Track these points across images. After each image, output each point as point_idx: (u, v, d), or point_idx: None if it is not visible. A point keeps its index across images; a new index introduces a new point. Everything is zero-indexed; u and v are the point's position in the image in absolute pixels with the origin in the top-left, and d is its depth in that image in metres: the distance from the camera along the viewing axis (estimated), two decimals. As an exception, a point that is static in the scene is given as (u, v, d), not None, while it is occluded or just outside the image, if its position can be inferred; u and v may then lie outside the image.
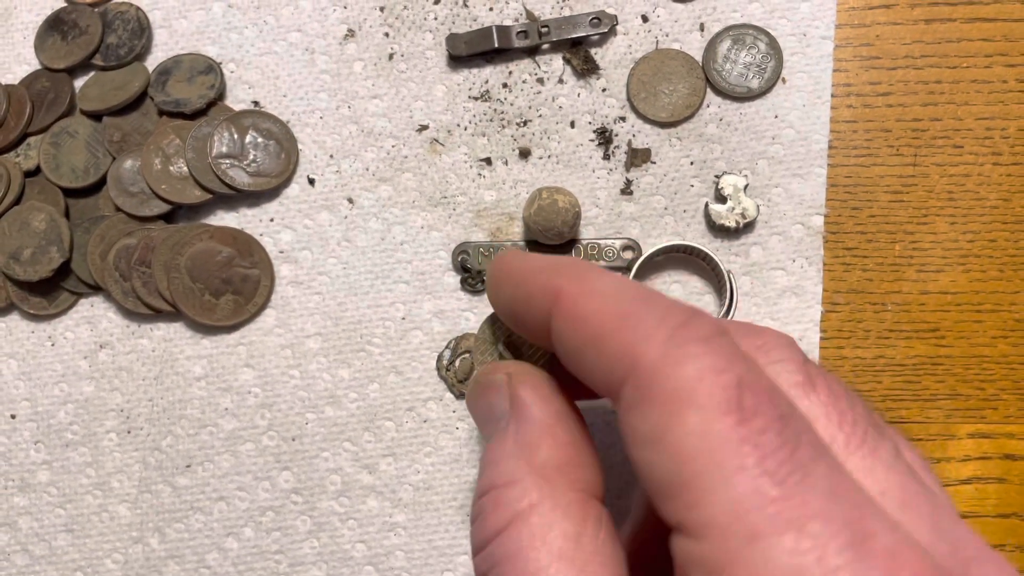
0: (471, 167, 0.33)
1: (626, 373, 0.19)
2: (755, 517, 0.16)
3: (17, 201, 0.33)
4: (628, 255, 0.32)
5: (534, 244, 0.32)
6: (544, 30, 0.33)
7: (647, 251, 0.31)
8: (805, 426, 0.18)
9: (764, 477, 0.17)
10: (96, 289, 0.33)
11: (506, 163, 0.33)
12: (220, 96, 0.34)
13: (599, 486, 0.21)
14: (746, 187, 0.32)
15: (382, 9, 0.34)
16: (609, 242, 0.32)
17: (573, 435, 0.22)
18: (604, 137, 0.33)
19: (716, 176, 0.33)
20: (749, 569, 0.16)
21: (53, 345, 0.33)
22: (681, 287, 0.32)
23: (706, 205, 0.32)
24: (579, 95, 0.33)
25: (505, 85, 0.34)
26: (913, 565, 0.16)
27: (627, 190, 0.33)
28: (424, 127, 0.34)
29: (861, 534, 0.16)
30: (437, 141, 0.33)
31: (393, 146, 0.33)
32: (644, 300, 0.20)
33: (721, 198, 0.32)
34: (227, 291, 0.32)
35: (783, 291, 0.32)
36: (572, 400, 0.23)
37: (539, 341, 0.23)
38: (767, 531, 0.16)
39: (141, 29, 0.34)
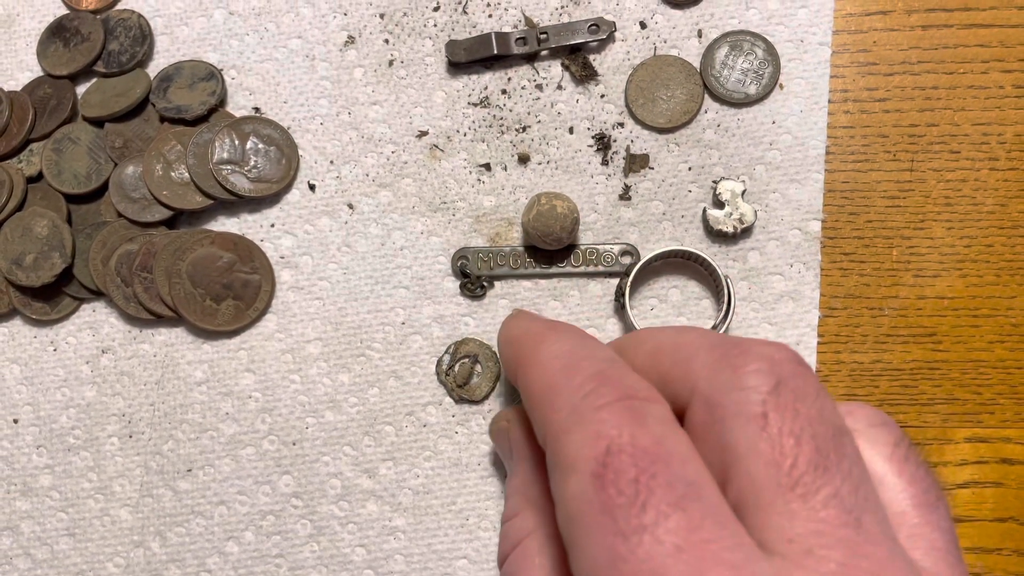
0: (470, 173, 0.33)
1: (543, 441, 0.22)
2: (606, 571, 0.17)
3: (20, 207, 0.33)
4: (626, 260, 0.32)
5: (533, 249, 0.33)
6: (543, 37, 0.33)
7: (645, 256, 0.32)
8: (654, 484, 0.18)
9: (616, 536, 0.17)
10: (98, 294, 0.33)
11: (505, 169, 0.33)
12: (221, 102, 0.34)
13: None
14: (744, 192, 0.32)
15: (382, 16, 0.34)
16: (607, 247, 0.33)
17: None
18: (602, 143, 0.33)
19: (714, 182, 0.33)
20: None
21: (55, 350, 0.33)
22: (679, 292, 0.33)
23: (704, 210, 0.33)
24: (578, 101, 0.34)
25: (504, 91, 0.34)
26: None
27: (625, 195, 0.33)
28: (424, 133, 0.34)
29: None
30: (437, 147, 0.34)
31: (393, 152, 0.34)
32: (566, 372, 0.22)
33: (719, 203, 0.32)
34: (228, 296, 0.33)
35: (780, 296, 0.32)
36: None
37: None
38: None
39: (143, 36, 0.34)
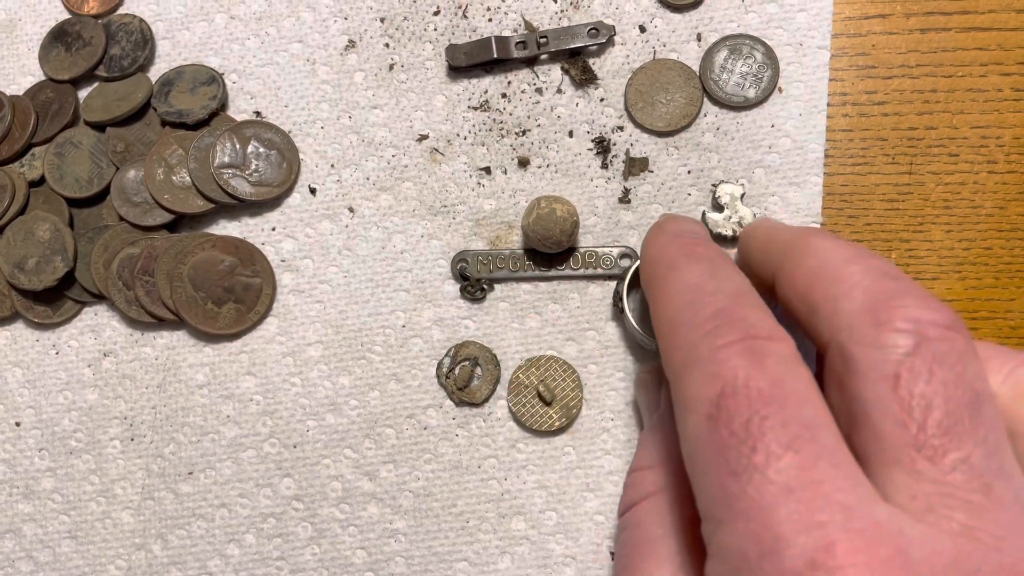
0: (471, 176, 0.34)
1: (668, 377, 0.22)
2: (718, 508, 0.18)
3: (22, 211, 0.34)
4: (625, 263, 0.33)
5: (532, 252, 0.33)
6: (543, 41, 0.34)
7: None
8: (782, 421, 0.18)
9: (729, 476, 0.18)
10: (100, 298, 0.33)
11: (505, 172, 0.34)
12: (222, 107, 0.34)
13: None
14: (743, 196, 0.32)
15: (382, 20, 0.35)
16: (606, 250, 0.33)
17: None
18: (602, 146, 0.34)
19: (713, 185, 0.33)
20: (717, 549, 0.18)
21: (57, 353, 0.33)
22: (679, 295, 0.33)
23: (703, 214, 0.33)
24: (577, 105, 0.34)
25: (504, 95, 0.34)
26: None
27: (625, 199, 0.33)
28: (424, 137, 0.34)
29: (815, 521, 0.17)
30: (437, 151, 0.34)
31: (393, 156, 0.34)
32: (691, 308, 0.22)
33: (718, 207, 0.33)
34: (229, 300, 0.33)
35: (780, 299, 0.32)
36: None
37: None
38: (726, 518, 0.18)
39: (144, 40, 0.35)
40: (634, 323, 0.31)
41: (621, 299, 0.31)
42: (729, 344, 0.20)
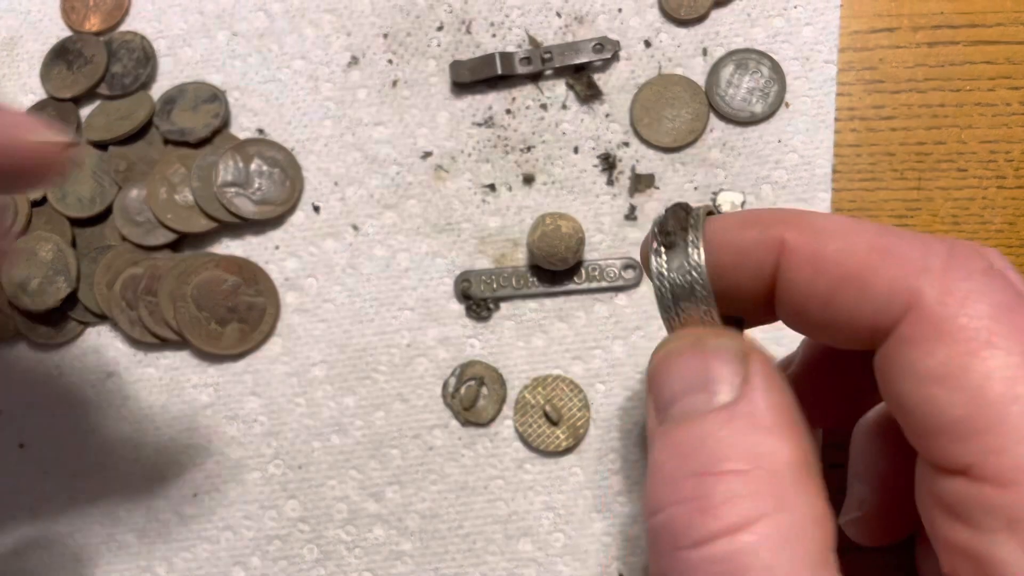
0: (475, 193, 0.33)
1: (901, 310, 0.18)
2: None
3: (24, 231, 0.33)
4: (629, 274, 0.32)
5: (537, 270, 0.33)
6: (547, 56, 0.33)
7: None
8: None
9: None
10: (103, 318, 0.33)
11: (510, 189, 0.33)
12: (225, 124, 0.34)
13: (826, 498, 0.19)
14: (743, 204, 0.32)
15: (385, 36, 0.34)
16: (610, 262, 0.32)
17: (808, 442, 0.19)
18: (608, 163, 0.33)
19: (713, 193, 0.33)
20: None
21: (60, 374, 0.33)
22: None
23: (710, 229, 0.32)
24: (582, 121, 0.33)
25: (508, 111, 0.34)
26: None
27: (631, 215, 0.33)
28: (428, 154, 0.34)
29: None
30: (441, 168, 0.34)
31: (397, 173, 0.34)
32: (890, 233, 0.19)
33: (724, 222, 0.32)
34: (233, 319, 0.32)
35: (788, 316, 0.32)
36: None
37: (756, 305, 0.21)
38: None
39: (146, 58, 0.34)
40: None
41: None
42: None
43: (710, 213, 0.22)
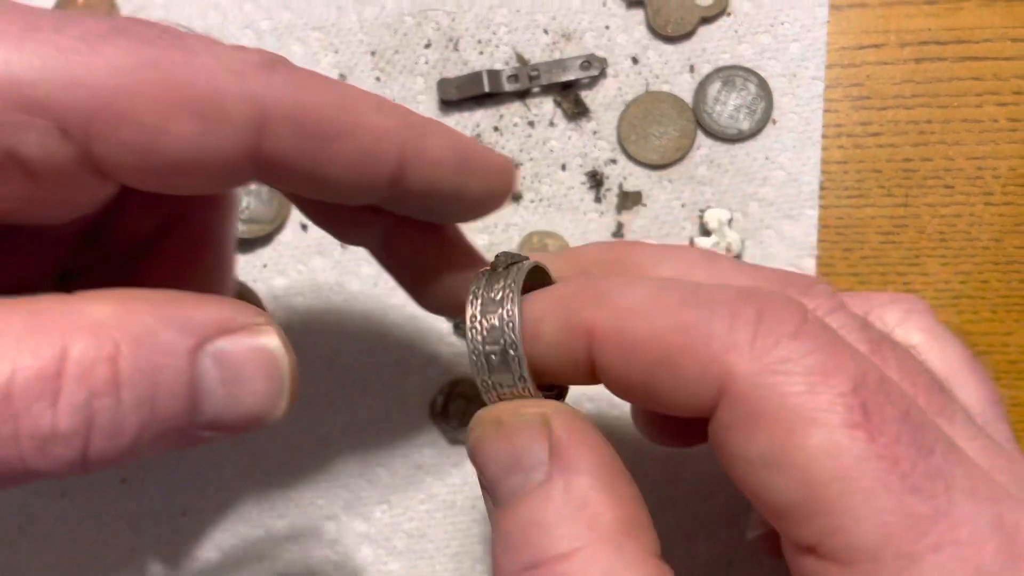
0: (463, 211, 0.33)
1: (716, 393, 0.17)
2: (907, 538, 0.16)
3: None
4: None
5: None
6: (534, 74, 0.33)
7: None
8: (923, 417, 0.17)
9: (911, 495, 0.16)
10: (91, 337, 0.33)
11: (498, 207, 0.33)
12: (212, 143, 0.34)
13: (658, 544, 0.19)
14: (730, 220, 0.32)
15: (373, 53, 0.34)
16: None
17: (631, 488, 0.19)
18: (595, 180, 0.33)
19: (700, 210, 0.33)
20: None
21: (49, 393, 0.33)
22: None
23: (691, 240, 0.32)
24: (570, 138, 0.34)
25: (496, 128, 0.34)
26: None
27: (619, 233, 0.33)
28: (416, 171, 0.34)
29: (1009, 531, 0.16)
30: (429, 185, 0.34)
31: (385, 191, 0.34)
32: (695, 302, 0.18)
33: (706, 232, 0.32)
34: (221, 338, 0.32)
35: (775, 334, 0.32)
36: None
37: (580, 381, 0.20)
38: (922, 551, 0.16)
39: (133, 76, 0.34)
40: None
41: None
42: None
43: (536, 269, 0.21)
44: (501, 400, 0.20)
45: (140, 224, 0.24)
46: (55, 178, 0.17)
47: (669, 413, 0.19)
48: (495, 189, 0.22)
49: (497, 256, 0.21)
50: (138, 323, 0.17)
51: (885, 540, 0.16)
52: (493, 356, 0.20)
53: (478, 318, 0.20)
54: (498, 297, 0.20)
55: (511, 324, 0.20)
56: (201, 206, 0.25)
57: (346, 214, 0.22)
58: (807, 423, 0.16)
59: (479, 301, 0.20)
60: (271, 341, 0.18)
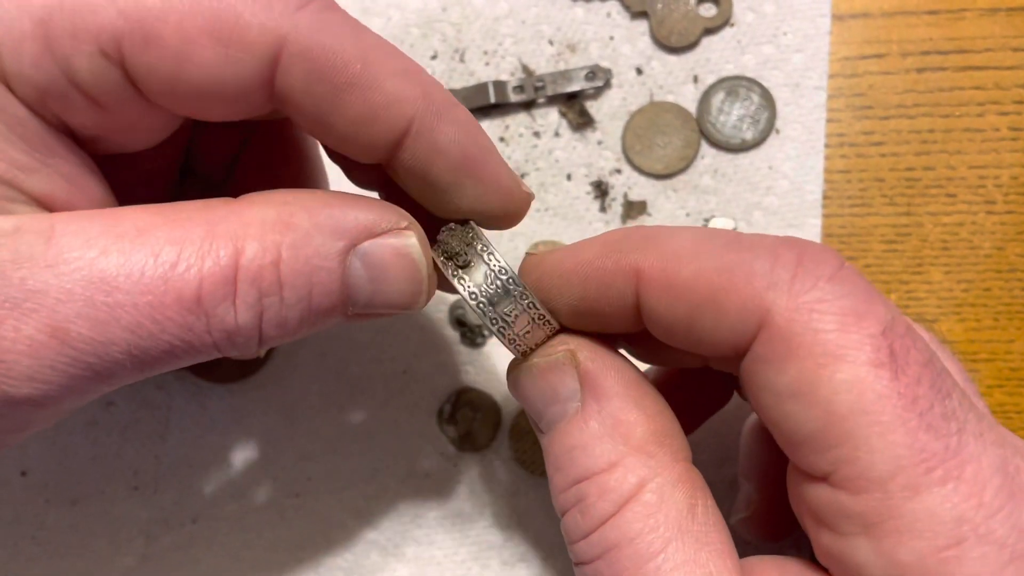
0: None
1: (754, 328, 0.19)
2: (916, 471, 0.17)
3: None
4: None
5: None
6: (540, 85, 0.34)
7: None
8: (943, 366, 0.18)
9: (925, 432, 0.17)
10: (102, 347, 0.34)
11: (504, 216, 0.34)
12: (221, 154, 0.34)
13: (689, 449, 0.21)
14: (735, 230, 0.33)
15: (380, 65, 0.35)
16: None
17: (658, 403, 0.21)
18: (600, 190, 0.34)
19: (705, 219, 0.33)
20: (911, 521, 0.17)
21: (61, 402, 0.34)
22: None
23: (702, 255, 0.33)
24: (575, 148, 0.34)
25: (502, 139, 0.34)
26: None
27: (624, 242, 0.33)
28: (422, 182, 0.34)
29: (1010, 473, 0.17)
30: (435, 196, 0.34)
31: (392, 201, 0.34)
32: (738, 247, 0.19)
33: (717, 248, 0.33)
34: (230, 348, 0.33)
35: (779, 342, 0.32)
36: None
37: (621, 328, 0.22)
38: (928, 483, 0.17)
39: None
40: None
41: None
42: None
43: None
44: (524, 342, 0.22)
45: (222, 144, 0.27)
46: (113, 103, 0.19)
47: (707, 352, 0.20)
48: (492, 206, 0.22)
49: (443, 230, 0.23)
50: (296, 228, 0.19)
51: (895, 471, 0.17)
52: (492, 292, 0.22)
53: (460, 272, 0.22)
54: (467, 244, 0.22)
55: (494, 258, 0.22)
56: (276, 127, 0.26)
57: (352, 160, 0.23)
58: (836, 359, 0.18)
59: (453, 258, 0.22)
60: (412, 243, 0.20)
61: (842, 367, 0.17)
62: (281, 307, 0.19)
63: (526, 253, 0.24)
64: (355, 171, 0.25)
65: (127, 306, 0.18)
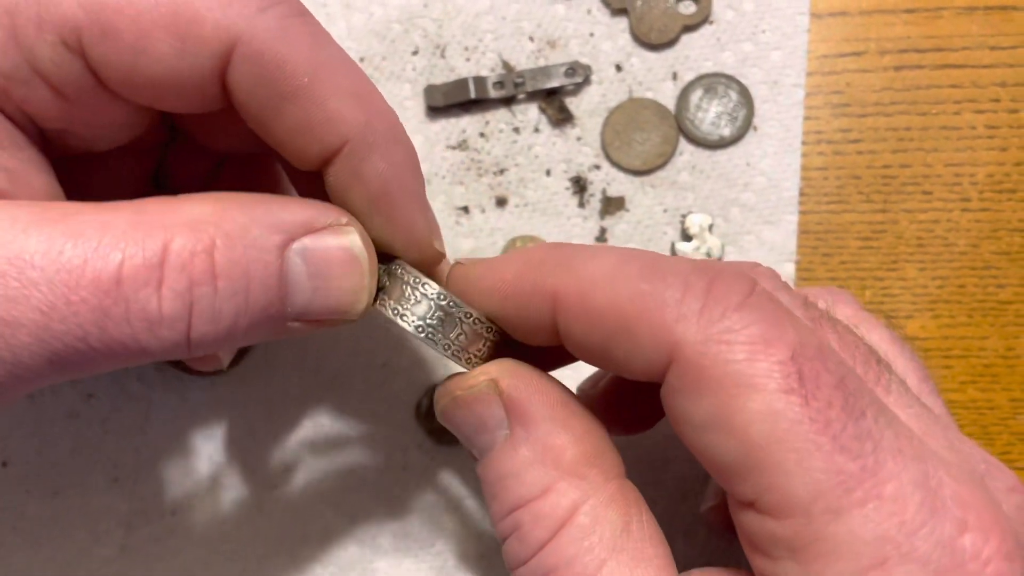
0: (449, 215, 0.34)
1: (666, 360, 0.19)
2: (835, 493, 0.17)
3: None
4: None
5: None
6: (520, 80, 0.34)
7: None
8: (858, 383, 0.18)
9: (840, 454, 0.17)
10: (83, 339, 0.34)
11: (483, 211, 0.34)
12: (203, 148, 0.35)
13: (622, 465, 0.21)
14: (711, 226, 0.33)
15: (361, 60, 0.35)
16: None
17: (587, 422, 0.21)
18: (579, 185, 0.34)
19: (682, 216, 0.33)
20: (834, 544, 0.17)
21: (43, 394, 0.34)
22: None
23: (672, 245, 0.33)
24: (554, 144, 0.34)
25: (482, 135, 0.34)
26: (980, 510, 0.17)
27: (602, 237, 0.34)
28: (403, 177, 0.34)
29: (932, 487, 0.17)
30: (415, 190, 0.34)
31: (372, 196, 0.34)
32: (652, 274, 0.19)
33: (687, 237, 0.33)
34: (210, 341, 0.33)
35: (755, 337, 0.33)
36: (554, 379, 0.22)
37: (544, 341, 0.22)
38: (849, 505, 0.17)
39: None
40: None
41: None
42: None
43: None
44: (475, 357, 0.23)
45: (196, 164, 0.27)
46: (75, 93, 0.19)
47: (624, 376, 0.20)
48: (397, 249, 0.22)
49: (383, 268, 0.23)
50: (232, 221, 0.19)
51: (815, 496, 0.17)
52: (440, 322, 0.22)
53: (386, 298, 0.22)
54: (411, 280, 0.22)
55: (436, 293, 0.22)
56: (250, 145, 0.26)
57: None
58: (747, 388, 0.18)
59: (393, 297, 0.23)
60: (353, 240, 0.20)
61: (753, 396, 0.17)
62: (215, 299, 0.18)
63: (455, 262, 0.24)
64: (298, 178, 0.25)
65: (41, 284, 0.17)
